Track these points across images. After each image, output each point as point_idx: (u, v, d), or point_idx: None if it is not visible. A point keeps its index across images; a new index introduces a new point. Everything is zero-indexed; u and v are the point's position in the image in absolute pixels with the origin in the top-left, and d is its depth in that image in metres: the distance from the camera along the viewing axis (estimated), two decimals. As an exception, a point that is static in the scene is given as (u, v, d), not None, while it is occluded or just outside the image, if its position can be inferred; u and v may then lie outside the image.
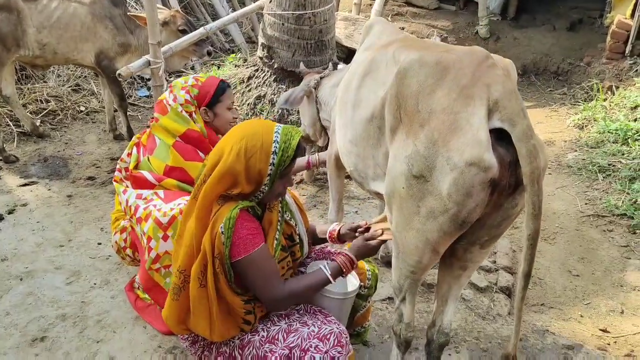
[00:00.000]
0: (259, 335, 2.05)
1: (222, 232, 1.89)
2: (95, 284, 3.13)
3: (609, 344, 2.94)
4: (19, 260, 3.31)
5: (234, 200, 1.96)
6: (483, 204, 1.75)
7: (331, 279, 2.02)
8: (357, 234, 2.20)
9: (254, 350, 2.03)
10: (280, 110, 4.54)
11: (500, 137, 1.74)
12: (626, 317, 3.15)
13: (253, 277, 1.94)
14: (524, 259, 1.82)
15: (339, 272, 2.04)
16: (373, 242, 2.09)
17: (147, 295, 2.82)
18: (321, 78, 3.07)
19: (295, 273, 2.23)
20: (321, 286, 2.04)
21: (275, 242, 2.05)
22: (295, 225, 2.20)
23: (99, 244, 3.50)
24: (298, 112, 4.59)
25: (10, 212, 3.81)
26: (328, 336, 1.99)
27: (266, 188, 1.97)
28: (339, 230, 2.28)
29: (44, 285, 3.09)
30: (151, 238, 2.45)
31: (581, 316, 3.16)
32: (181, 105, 2.62)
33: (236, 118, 2.74)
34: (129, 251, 2.82)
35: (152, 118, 2.73)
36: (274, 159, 1.93)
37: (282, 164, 1.95)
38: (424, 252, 1.93)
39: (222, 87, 2.65)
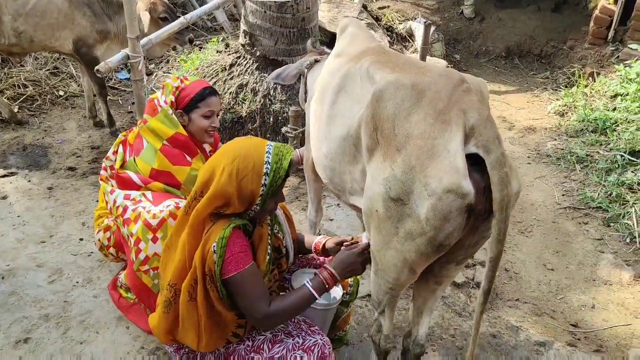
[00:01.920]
0: (244, 344, 2.10)
1: (214, 250, 1.92)
2: (77, 282, 3.14)
3: (579, 340, 3.05)
4: (0, 257, 3.31)
5: (227, 217, 1.98)
6: (460, 227, 1.79)
7: (316, 295, 2.03)
8: (342, 248, 2.21)
9: (239, 359, 2.09)
10: (262, 100, 4.52)
11: (474, 161, 1.77)
12: (597, 312, 3.27)
13: (241, 295, 1.96)
14: (485, 277, 1.87)
15: (323, 289, 2.06)
16: (359, 259, 2.10)
17: (129, 295, 2.85)
18: (316, 61, 3.05)
19: (280, 284, 2.27)
20: (307, 304, 2.05)
21: (268, 256, 2.09)
22: (283, 237, 2.23)
23: (81, 239, 3.50)
24: (281, 101, 4.59)
25: (-10, 206, 3.79)
26: (312, 348, 2.04)
27: (258, 207, 2.00)
28: (324, 244, 2.31)
29: (26, 284, 3.10)
30: (140, 240, 2.47)
31: (554, 311, 3.27)
32: (170, 107, 2.61)
33: (215, 127, 2.71)
34: (112, 250, 2.83)
35: (141, 119, 2.71)
36: (265, 179, 1.95)
37: (274, 184, 1.97)
38: (402, 270, 1.96)
39: (202, 94, 2.62)
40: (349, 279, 2.45)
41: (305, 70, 3.15)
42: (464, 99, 1.84)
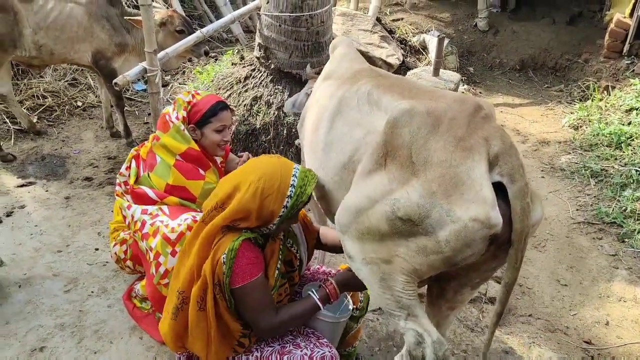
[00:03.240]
0: (252, 356, 2.13)
1: (223, 261, 1.96)
2: (92, 292, 3.19)
3: (592, 357, 3.03)
4: (17, 266, 3.36)
5: (238, 230, 2.02)
6: (480, 253, 1.77)
7: (320, 305, 2.09)
8: None
9: None
10: (275, 112, 4.56)
11: (496, 189, 1.74)
12: (611, 329, 3.23)
13: (247, 306, 2.01)
14: (499, 301, 1.90)
15: (327, 300, 2.12)
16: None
17: (144, 305, 2.89)
18: None
19: (291, 297, 2.30)
20: (311, 313, 2.11)
21: (276, 272, 2.12)
22: (297, 251, 2.26)
23: (97, 249, 3.56)
24: (295, 113, 4.62)
25: (8, 215, 3.85)
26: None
27: (273, 227, 2.04)
28: None
29: (42, 293, 3.15)
30: (160, 254, 2.52)
31: (567, 327, 3.24)
32: (182, 122, 2.66)
33: (227, 141, 2.75)
34: (129, 263, 2.89)
35: (154, 135, 2.76)
36: (287, 202, 2.00)
37: (295, 208, 2.02)
38: (410, 275, 1.89)
39: (214, 109, 2.67)
40: (360, 294, 2.46)
41: None
42: (485, 126, 1.82)
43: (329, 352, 2.11)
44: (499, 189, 1.74)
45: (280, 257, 2.15)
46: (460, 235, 1.70)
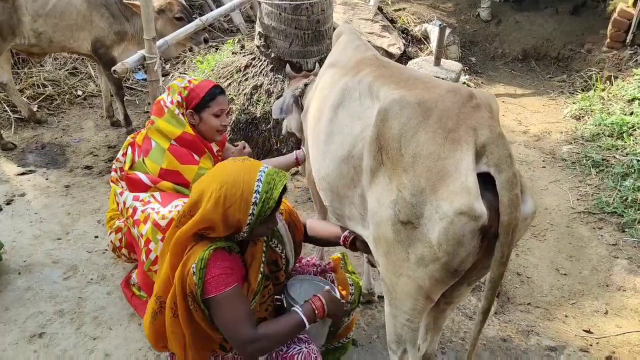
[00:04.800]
0: (232, 352, 2.07)
1: (193, 272, 1.86)
2: (91, 279, 3.20)
3: (591, 345, 3.02)
4: (17, 253, 3.37)
5: (209, 239, 1.93)
6: (475, 251, 1.71)
7: (307, 322, 1.96)
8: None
9: None
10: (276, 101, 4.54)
11: (486, 180, 1.70)
12: (610, 318, 3.23)
13: (221, 318, 1.89)
14: (485, 297, 1.81)
15: (313, 317, 1.99)
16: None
17: (142, 293, 2.90)
18: (305, 85, 3.02)
19: (275, 298, 2.21)
20: (296, 330, 1.97)
21: (260, 275, 2.02)
22: (282, 250, 2.17)
23: (96, 237, 3.56)
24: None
25: (8, 203, 3.86)
26: (295, 356, 2.01)
27: (245, 234, 1.93)
28: (352, 241, 2.24)
29: (42, 280, 3.16)
30: (150, 240, 2.51)
31: (566, 316, 3.24)
32: (177, 107, 2.65)
33: (226, 125, 2.74)
34: (124, 251, 2.89)
35: (149, 120, 2.76)
36: (253, 209, 1.87)
37: (262, 214, 1.89)
38: (417, 299, 1.87)
39: (212, 93, 2.66)
40: (350, 288, 2.39)
41: (299, 98, 3.05)
42: (474, 115, 1.76)
43: (306, 347, 2.05)
44: (491, 181, 1.70)
45: (263, 259, 2.05)
46: (449, 233, 1.66)
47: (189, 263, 1.89)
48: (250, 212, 1.88)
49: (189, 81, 2.72)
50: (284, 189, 1.94)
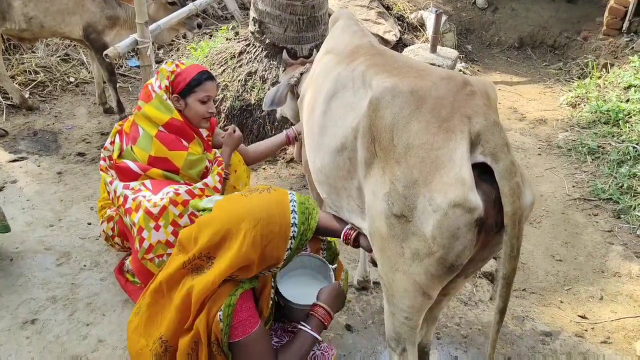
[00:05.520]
0: None
1: (220, 319, 1.76)
2: (85, 265, 3.16)
3: (586, 330, 3.03)
4: (9, 240, 3.33)
5: (234, 281, 1.81)
6: (471, 245, 1.65)
7: (318, 336, 1.92)
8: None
9: None
10: (270, 88, 4.49)
11: (482, 171, 1.64)
12: (605, 304, 3.23)
13: (249, 357, 1.82)
14: (499, 296, 1.75)
15: (322, 327, 1.94)
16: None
17: (136, 279, 2.88)
18: (301, 74, 2.96)
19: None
20: (311, 346, 1.91)
21: (271, 302, 1.97)
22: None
23: (89, 224, 3.52)
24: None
25: (0, 190, 3.82)
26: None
27: (278, 269, 1.87)
28: (355, 237, 2.12)
29: (35, 267, 3.13)
30: (143, 228, 2.48)
31: (561, 302, 3.24)
32: (165, 92, 2.60)
33: (212, 113, 2.69)
34: (117, 240, 2.87)
35: (137, 106, 2.71)
36: (291, 243, 1.79)
37: (300, 246, 1.83)
38: (415, 296, 1.81)
39: (199, 79, 2.60)
40: (342, 273, 2.34)
41: (294, 86, 2.99)
42: (469, 103, 1.70)
43: (318, 349, 2.00)
44: (488, 171, 1.64)
45: (273, 284, 1.99)
46: (443, 227, 1.60)
47: (214, 308, 1.77)
48: (289, 247, 1.80)
49: (177, 65, 2.67)
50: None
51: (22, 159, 4.22)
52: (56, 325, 2.76)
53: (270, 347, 1.86)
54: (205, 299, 1.78)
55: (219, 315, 1.75)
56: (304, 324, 1.92)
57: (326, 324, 1.93)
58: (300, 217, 1.80)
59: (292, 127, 2.95)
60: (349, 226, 2.13)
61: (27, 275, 3.07)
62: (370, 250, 2.03)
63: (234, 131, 2.89)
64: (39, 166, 4.15)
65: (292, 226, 1.78)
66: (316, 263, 2.23)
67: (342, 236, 2.13)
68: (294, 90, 2.96)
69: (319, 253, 2.29)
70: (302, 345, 1.87)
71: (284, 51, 3.50)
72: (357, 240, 2.11)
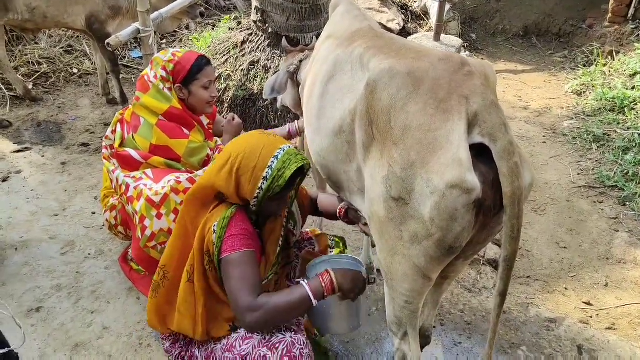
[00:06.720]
0: (220, 344, 2.01)
1: (214, 230, 1.88)
2: (89, 254, 3.18)
3: (591, 317, 3.01)
4: (14, 229, 3.35)
5: (229, 204, 1.97)
6: (470, 226, 1.63)
7: (312, 296, 1.86)
8: (359, 212, 2.14)
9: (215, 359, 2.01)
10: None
11: (481, 152, 1.62)
12: (610, 290, 3.22)
13: (229, 280, 1.86)
14: (500, 279, 1.72)
15: (321, 292, 1.89)
16: (362, 277, 2.01)
17: (140, 267, 2.88)
18: (300, 61, 2.94)
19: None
20: (301, 306, 1.87)
21: (278, 248, 2.06)
22: (294, 227, 2.20)
23: (93, 213, 3.54)
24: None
25: (4, 180, 3.83)
26: (277, 345, 1.89)
27: (254, 208, 1.96)
28: (345, 212, 2.24)
29: (39, 255, 3.15)
30: (145, 217, 2.48)
31: (566, 289, 3.23)
32: (161, 81, 2.59)
33: (215, 97, 2.68)
34: (120, 229, 2.87)
35: (135, 97, 2.71)
36: (263, 184, 1.89)
37: (271, 191, 1.91)
38: (415, 279, 1.79)
39: (199, 65, 2.59)
40: (331, 240, 2.43)
41: (294, 74, 2.97)
42: (466, 83, 1.68)
43: (291, 337, 1.93)
44: (486, 152, 1.62)
45: (282, 233, 2.10)
46: (441, 208, 1.58)
47: (210, 221, 1.91)
48: (260, 186, 1.89)
49: (173, 54, 2.65)
50: (303, 174, 1.93)
51: (26, 149, 4.24)
52: (61, 313, 2.77)
53: (254, 277, 1.86)
54: (200, 205, 1.97)
55: (214, 226, 1.89)
56: (304, 280, 1.93)
57: (325, 292, 1.90)
58: (278, 164, 1.89)
59: (296, 121, 2.95)
60: (343, 204, 2.24)
61: (31, 264, 3.08)
62: (357, 222, 2.16)
63: (233, 118, 2.89)
64: (43, 157, 4.17)
65: (267, 168, 1.88)
66: (348, 261, 2.22)
67: (337, 211, 2.26)
68: (293, 78, 2.95)
69: (327, 250, 2.39)
70: (291, 295, 1.86)
71: (284, 39, 3.48)
72: (347, 214, 2.23)
